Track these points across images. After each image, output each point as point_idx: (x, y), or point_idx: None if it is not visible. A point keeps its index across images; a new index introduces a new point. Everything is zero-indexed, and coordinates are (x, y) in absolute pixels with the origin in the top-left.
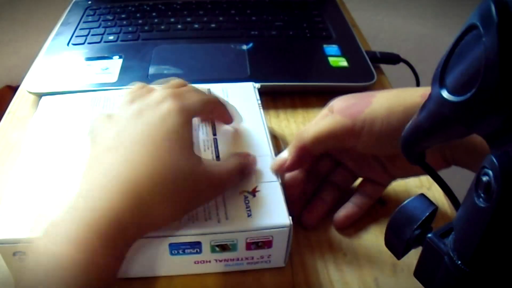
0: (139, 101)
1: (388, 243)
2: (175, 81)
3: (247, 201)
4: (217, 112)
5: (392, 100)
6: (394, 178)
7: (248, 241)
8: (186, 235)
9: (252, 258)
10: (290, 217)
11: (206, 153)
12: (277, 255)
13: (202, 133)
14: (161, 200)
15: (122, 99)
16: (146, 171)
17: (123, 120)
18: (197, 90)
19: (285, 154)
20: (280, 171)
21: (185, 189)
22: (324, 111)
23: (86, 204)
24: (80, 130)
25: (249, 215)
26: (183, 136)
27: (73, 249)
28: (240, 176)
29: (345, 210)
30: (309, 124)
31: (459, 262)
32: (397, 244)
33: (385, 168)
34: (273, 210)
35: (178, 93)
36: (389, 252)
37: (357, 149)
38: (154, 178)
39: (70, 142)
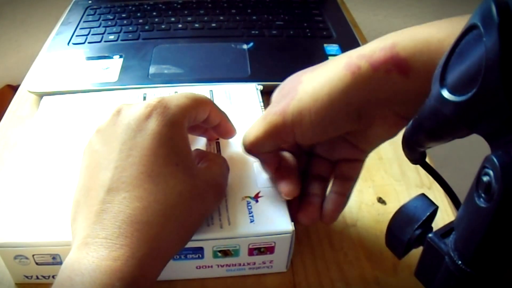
0: (123, 129)
1: (389, 243)
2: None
3: (249, 207)
4: (213, 114)
5: (315, 83)
6: (366, 151)
7: (251, 246)
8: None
9: (254, 263)
10: (293, 223)
11: None
12: (279, 261)
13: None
14: (174, 230)
15: (105, 123)
16: (154, 209)
17: (115, 154)
18: (189, 93)
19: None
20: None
21: (193, 207)
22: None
23: (109, 254)
24: (82, 131)
25: (251, 221)
26: (177, 151)
27: None
28: (228, 169)
29: (330, 203)
30: (253, 123)
31: (460, 262)
32: (398, 244)
33: (353, 144)
34: (276, 216)
35: (161, 102)
36: (390, 252)
37: (298, 142)
38: (164, 213)
39: (72, 144)
